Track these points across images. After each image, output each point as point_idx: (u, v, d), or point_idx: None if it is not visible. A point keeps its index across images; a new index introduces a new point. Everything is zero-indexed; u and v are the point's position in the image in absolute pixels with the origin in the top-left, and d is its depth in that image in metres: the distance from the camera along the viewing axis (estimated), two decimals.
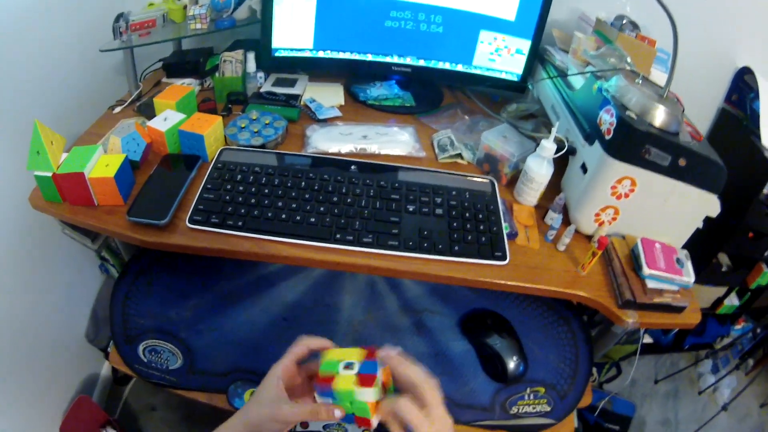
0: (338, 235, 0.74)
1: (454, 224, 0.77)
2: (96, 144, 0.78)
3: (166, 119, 0.86)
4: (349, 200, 0.78)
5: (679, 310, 0.69)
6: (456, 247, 0.74)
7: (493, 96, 1.07)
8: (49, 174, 0.71)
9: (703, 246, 0.79)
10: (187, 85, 0.98)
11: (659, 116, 0.67)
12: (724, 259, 1.26)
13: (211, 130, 0.85)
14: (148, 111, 0.96)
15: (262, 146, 0.88)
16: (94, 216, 0.75)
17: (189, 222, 0.74)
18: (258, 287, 0.86)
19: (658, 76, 0.89)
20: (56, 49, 0.95)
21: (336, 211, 0.77)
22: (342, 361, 0.50)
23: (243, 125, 0.91)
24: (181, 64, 1.05)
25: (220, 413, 0.77)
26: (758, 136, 1.02)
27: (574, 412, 0.80)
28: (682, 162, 0.66)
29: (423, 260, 0.73)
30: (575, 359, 0.83)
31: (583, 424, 1.33)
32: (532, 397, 0.78)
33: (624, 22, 0.96)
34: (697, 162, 0.66)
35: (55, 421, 1.09)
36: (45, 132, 0.71)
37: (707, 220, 0.73)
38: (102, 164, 0.74)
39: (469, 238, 0.76)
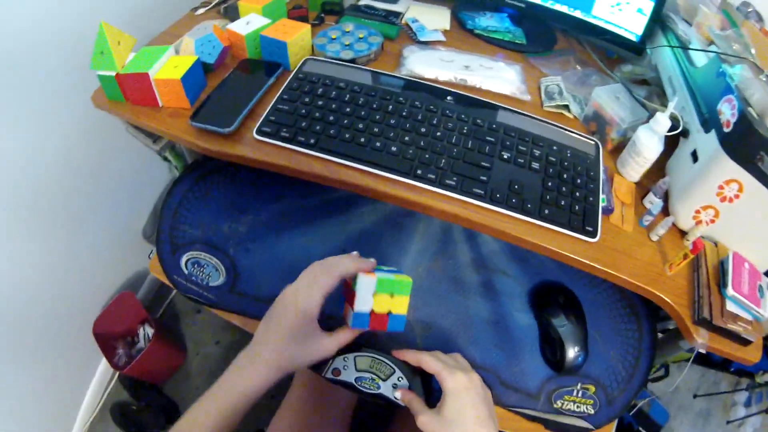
0: (419, 171, 0.61)
1: (549, 183, 0.63)
2: (169, 45, 0.70)
3: (249, 23, 0.75)
4: (438, 134, 0.64)
5: (745, 342, 0.57)
6: (546, 211, 0.60)
7: (609, 52, 0.88)
8: (113, 74, 0.64)
9: None
10: None
11: None
12: None
13: (297, 37, 0.72)
14: (233, 14, 0.85)
15: (352, 61, 0.75)
16: (156, 118, 0.67)
17: (256, 133, 0.64)
18: (320, 212, 0.74)
19: None
20: None
21: (422, 143, 0.63)
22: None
23: (334, 36, 0.78)
24: None
25: None
26: None
27: (614, 423, 0.67)
28: None
29: (506, 217, 0.60)
30: (635, 363, 0.68)
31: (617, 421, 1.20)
32: (580, 394, 0.65)
33: (750, 10, 0.78)
34: None
35: (93, 313, 1.06)
36: (111, 32, 0.64)
37: None
38: (170, 65, 0.66)
39: (562, 203, 0.61)
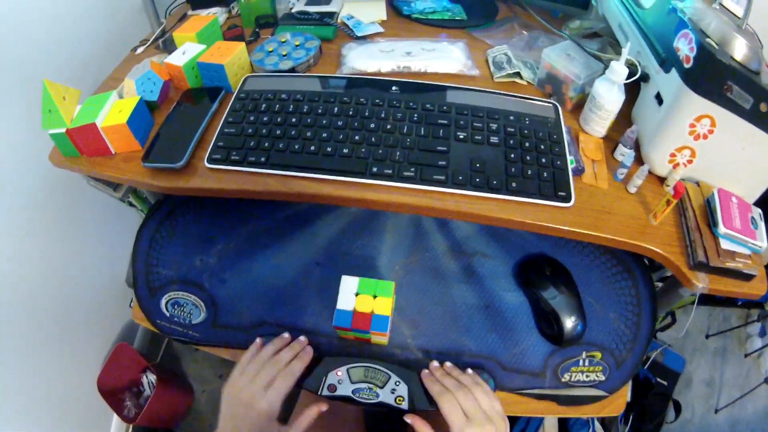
0: (375, 169, 0.56)
1: (512, 155, 0.59)
2: (113, 90, 0.67)
3: (185, 53, 0.71)
4: (388, 126, 0.60)
5: (747, 278, 0.53)
6: (513, 184, 0.56)
7: (554, 11, 0.84)
8: (63, 130, 0.61)
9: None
10: (212, 14, 0.81)
11: (740, 49, 0.50)
12: None
13: (233, 58, 0.69)
14: (171, 47, 0.81)
15: (292, 70, 0.71)
16: (111, 166, 0.63)
17: (207, 162, 0.60)
18: (288, 228, 0.70)
19: (729, 5, 0.68)
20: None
21: (373, 139, 0.59)
22: None
23: (270, 49, 0.73)
24: None
25: None
26: None
27: (628, 384, 0.63)
28: (763, 107, 0.49)
29: (473, 198, 0.56)
30: (637, 320, 0.64)
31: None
32: (587, 363, 0.61)
33: None
34: None
35: (94, 370, 1.02)
36: (55, 89, 0.61)
37: None
38: (115, 110, 0.63)
39: (529, 172, 0.57)
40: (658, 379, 1.11)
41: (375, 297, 0.56)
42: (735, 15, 0.56)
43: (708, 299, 1.32)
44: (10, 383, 0.82)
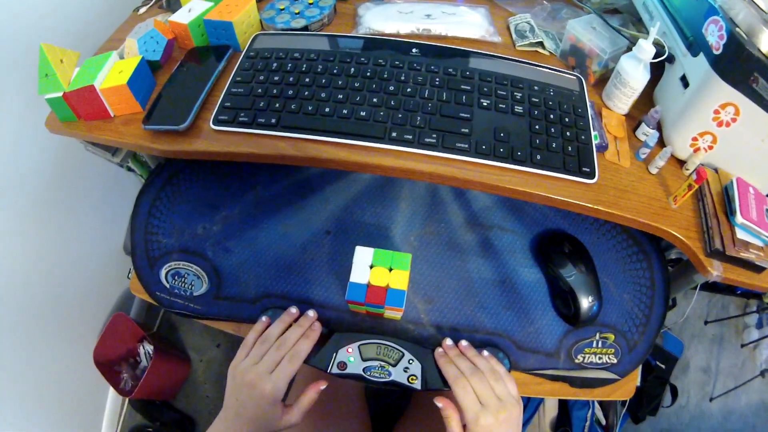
0: (394, 134, 0.52)
1: (536, 127, 0.54)
2: (113, 51, 0.61)
3: (191, 10, 0.65)
4: (408, 90, 0.56)
5: (758, 269, 0.52)
6: (538, 156, 0.52)
7: None
8: (60, 94, 0.56)
9: None
10: None
11: (766, 43, 0.47)
12: None
13: (242, 15, 0.63)
14: (175, 6, 0.75)
15: (305, 28, 0.65)
16: (109, 129, 0.58)
17: (213, 123, 0.55)
18: (297, 195, 0.65)
19: None
20: None
21: (392, 103, 0.54)
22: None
23: (282, 7, 0.68)
24: None
25: None
26: None
27: (638, 369, 0.60)
28: None
29: (497, 169, 0.52)
30: (650, 303, 0.61)
31: None
32: (600, 344, 0.58)
33: None
34: None
35: (90, 342, 0.97)
36: (52, 52, 0.56)
37: None
38: (115, 71, 0.58)
39: (554, 145, 0.53)
40: (658, 363, 1.10)
41: (391, 270, 0.52)
42: (761, 9, 0.54)
43: (708, 285, 1.31)
44: (2, 356, 0.78)
